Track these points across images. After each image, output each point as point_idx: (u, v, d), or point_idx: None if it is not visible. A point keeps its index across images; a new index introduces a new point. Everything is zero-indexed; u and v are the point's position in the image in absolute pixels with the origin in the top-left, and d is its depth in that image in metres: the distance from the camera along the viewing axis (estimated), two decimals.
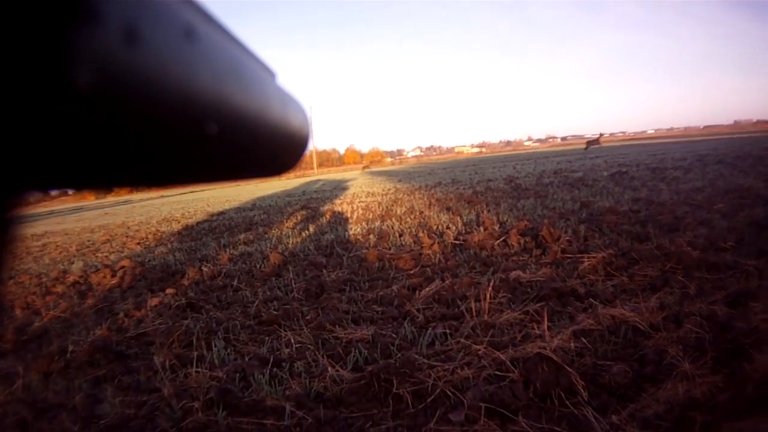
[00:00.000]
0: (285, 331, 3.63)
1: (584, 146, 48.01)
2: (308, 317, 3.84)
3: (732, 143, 29.70)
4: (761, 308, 3.04)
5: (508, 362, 2.64)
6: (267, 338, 3.55)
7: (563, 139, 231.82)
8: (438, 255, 5.29)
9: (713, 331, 2.85)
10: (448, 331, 3.27)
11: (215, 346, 3.45)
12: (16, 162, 0.22)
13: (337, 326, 3.57)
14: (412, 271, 4.83)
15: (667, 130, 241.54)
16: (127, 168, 0.28)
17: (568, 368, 2.52)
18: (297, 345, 3.34)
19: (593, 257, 4.50)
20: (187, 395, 2.80)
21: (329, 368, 2.90)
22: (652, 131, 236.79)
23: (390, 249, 5.81)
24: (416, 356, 2.87)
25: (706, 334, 2.82)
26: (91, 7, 0.21)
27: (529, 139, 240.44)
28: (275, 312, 3.98)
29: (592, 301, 3.56)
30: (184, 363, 3.27)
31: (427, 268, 4.85)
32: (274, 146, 0.47)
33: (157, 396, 2.85)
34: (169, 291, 5.07)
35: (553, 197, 9.18)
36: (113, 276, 6.26)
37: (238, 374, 2.98)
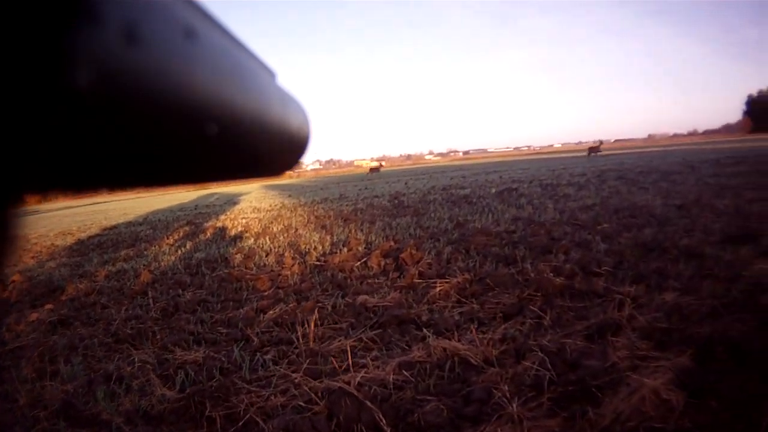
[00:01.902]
0: (134, 349, 3.67)
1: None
2: (157, 337, 3.87)
3: (641, 158, 30.17)
4: (624, 343, 3.06)
5: (313, 395, 2.70)
6: (117, 356, 3.59)
7: (465, 153, 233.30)
8: (295, 276, 5.29)
9: (558, 369, 2.82)
10: (276, 357, 3.30)
11: (71, 361, 3.51)
12: (16, 163, 0.23)
13: (177, 347, 3.60)
14: (266, 293, 4.81)
15: (576, 144, 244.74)
16: (126, 168, 0.28)
17: (370, 405, 2.53)
18: (139, 364, 3.38)
19: (447, 282, 4.48)
20: (40, 406, 2.91)
21: (159, 388, 2.95)
22: (559, 145, 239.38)
23: (252, 269, 5.83)
24: (237, 381, 2.92)
25: (547, 372, 2.79)
26: (91, 7, 0.22)
27: (430, 153, 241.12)
28: (130, 331, 4.00)
29: (427, 331, 3.53)
30: (41, 376, 3.34)
31: (281, 290, 4.84)
32: (274, 146, 0.46)
33: (15, 405, 2.95)
34: (48, 306, 5.06)
35: (431, 216, 9.24)
36: (4, 290, 6.21)
37: (84, 389, 3.06)
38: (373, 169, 49.15)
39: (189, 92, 0.28)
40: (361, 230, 8.09)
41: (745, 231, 5.55)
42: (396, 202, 12.70)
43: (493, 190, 13.55)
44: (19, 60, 0.20)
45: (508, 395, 2.57)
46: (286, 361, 3.25)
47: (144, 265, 6.92)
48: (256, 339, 3.69)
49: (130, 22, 0.23)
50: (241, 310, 4.27)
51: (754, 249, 4.88)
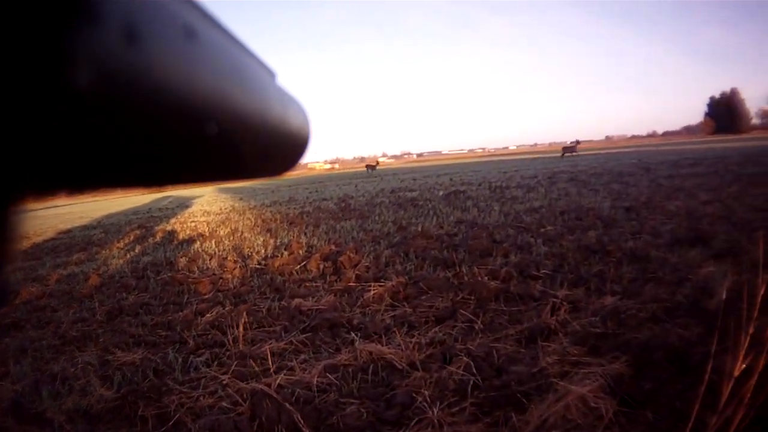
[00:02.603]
0: (78, 351, 3.79)
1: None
2: (101, 339, 3.98)
3: (597, 159, 30.41)
4: (555, 348, 3.08)
5: (238, 396, 2.79)
6: (63, 357, 3.69)
7: (419, 155, 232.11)
8: (236, 280, 5.40)
9: (484, 374, 2.83)
10: (209, 359, 3.41)
11: (21, 363, 3.63)
12: (16, 163, 0.23)
13: (118, 349, 3.71)
14: (206, 296, 4.91)
15: (531, 146, 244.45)
16: (127, 168, 0.28)
17: (289, 407, 2.59)
18: (82, 365, 3.47)
19: (382, 286, 4.54)
20: None
21: (98, 388, 3.06)
22: (514, 147, 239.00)
23: (195, 273, 5.92)
24: (170, 382, 3.04)
25: (472, 377, 2.79)
26: (91, 6, 0.22)
27: (384, 155, 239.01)
28: (76, 333, 4.12)
29: (356, 335, 3.62)
30: None
31: (221, 293, 4.94)
32: (275, 146, 0.47)
33: None
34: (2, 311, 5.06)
35: (375, 219, 9.31)
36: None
37: (31, 389, 3.18)
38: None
39: (189, 92, 0.29)
40: (305, 233, 8.17)
41: (696, 233, 5.61)
42: (343, 205, 12.75)
43: (441, 193, 13.61)
44: (19, 60, 0.21)
45: (429, 400, 2.60)
46: (217, 363, 3.36)
47: (93, 269, 6.98)
48: (191, 341, 3.78)
49: (130, 22, 0.24)
50: (181, 313, 4.37)
51: (703, 251, 4.93)
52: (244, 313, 4.08)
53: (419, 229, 7.57)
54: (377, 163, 53.22)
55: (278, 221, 10.40)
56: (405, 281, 4.65)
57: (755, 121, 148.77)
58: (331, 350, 3.43)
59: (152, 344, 3.86)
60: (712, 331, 2.83)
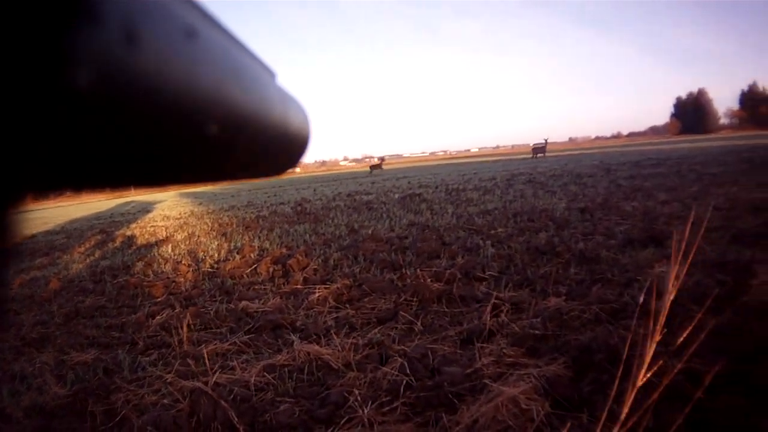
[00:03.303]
0: (37, 352, 3.97)
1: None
2: (58, 341, 4.15)
3: (559, 161, 30.38)
4: (493, 350, 3.10)
5: (178, 395, 2.92)
6: (23, 358, 3.88)
7: (380, 158, 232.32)
8: (188, 283, 5.55)
9: (418, 375, 2.89)
10: (156, 359, 3.57)
11: None
12: (16, 163, 0.22)
13: (73, 350, 3.89)
14: (159, 299, 5.04)
15: (493, 148, 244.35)
16: (127, 168, 0.28)
17: (224, 404, 2.70)
18: (39, 365, 3.65)
19: (327, 288, 4.67)
20: None
21: (53, 386, 3.25)
22: (476, 150, 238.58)
23: (150, 276, 6.07)
24: (118, 380, 3.20)
25: (405, 377, 2.85)
26: (91, 7, 0.21)
27: (345, 159, 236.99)
28: (35, 335, 4.29)
29: (296, 336, 3.72)
30: None
31: (173, 296, 5.09)
32: (275, 146, 0.47)
33: None
34: None
35: (329, 222, 9.38)
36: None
37: None
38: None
39: (189, 92, 0.29)
40: (259, 237, 8.30)
41: (650, 234, 5.67)
42: (299, 209, 12.89)
43: (397, 196, 13.76)
44: (19, 60, 0.20)
45: (361, 399, 2.68)
46: (163, 363, 3.49)
47: (54, 274, 7.14)
48: (141, 342, 3.93)
49: (130, 22, 0.23)
50: (133, 316, 4.53)
51: (656, 252, 5.00)
52: (188, 315, 4.20)
53: (370, 232, 7.62)
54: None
55: (234, 225, 10.54)
56: (350, 283, 4.77)
57: (723, 121, 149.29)
58: (271, 351, 3.55)
59: (105, 345, 4.01)
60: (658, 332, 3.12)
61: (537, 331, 3.24)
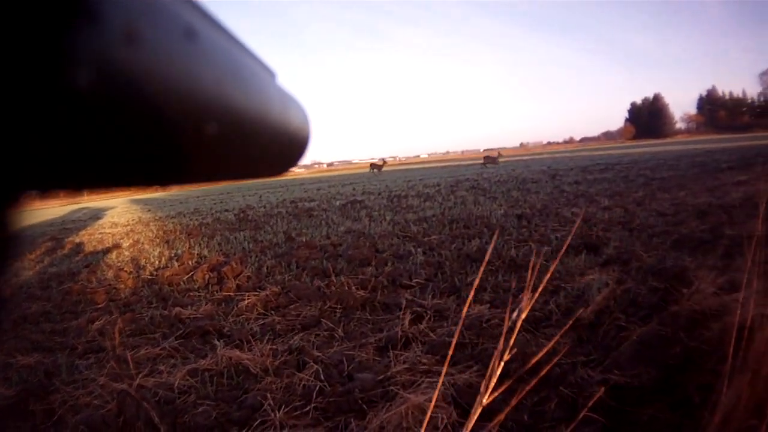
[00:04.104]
0: None
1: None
2: (5, 345, 4.36)
3: (506, 166, 30.31)
4: (409, 357, 3.22)
5: (108, 397, 3.09)
6: None
7: (329, 164, 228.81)
8: (128, 290, 5.76)
9: (332, 380, 3.03)
10: (93, 362, 3.77)
11: None
12: (16, 162, 0.23)
13: (19, 354, 4.08)
14: (100, 305, 5.30)
15: (443, 153, 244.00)
16: (126, 167, 0.28)
17: (146, 405, 2.85)
18: None
19: (256, 295, 4.87)
20: None
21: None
22: (426, 155, 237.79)
23: (93, 283, 6.27)
24: (57, 382, 3.43)
25: (320, 383, 2.99)
26: (91, 7, 0.22)
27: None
28: None
29: (220, 341, 3.90)
30: None
31: (113, 303, 5.30)
32: (275, 146, 0.47)
33: None
34: None
35: (269, 229, 9.71)
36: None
37: None
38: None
39: (189, 92, 0.29)
40: (199, 245, 8.49)
41: (587, 240, 5.75)
42: (242, 216, 13.09)
43: (338, 203, 13.90)
44: (20, 59, 0.21)
45: (275, 403, 2.81)
46: (97, 366, 3.69)
47: (4, 281, 7.26)
48: (80, 347, 4.15)
49: (130, 22, 0.24)
50: (75, 321, 4.77)
51: (590, 259, 5.13)
52: (122, 321, 4.46)
53: (306, 239, 7.88)
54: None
55: (177, 233, 10.71)
56: (279, 291, 4.96)
57: (680, 125, 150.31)
58: (197, 356, 3.72)
59: (48, 349, 4.23)
60: (580, 342, 3.29)
61: (455, 339, 3.17)
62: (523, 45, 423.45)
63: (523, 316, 1.92)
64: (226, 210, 16.30)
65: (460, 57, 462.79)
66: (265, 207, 15.72)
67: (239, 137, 0.37)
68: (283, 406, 2.80)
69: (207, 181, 0.39)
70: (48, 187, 0.26)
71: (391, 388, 2.89)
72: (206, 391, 3.14)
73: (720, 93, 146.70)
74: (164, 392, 3.14)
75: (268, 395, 2.92)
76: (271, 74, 0.47)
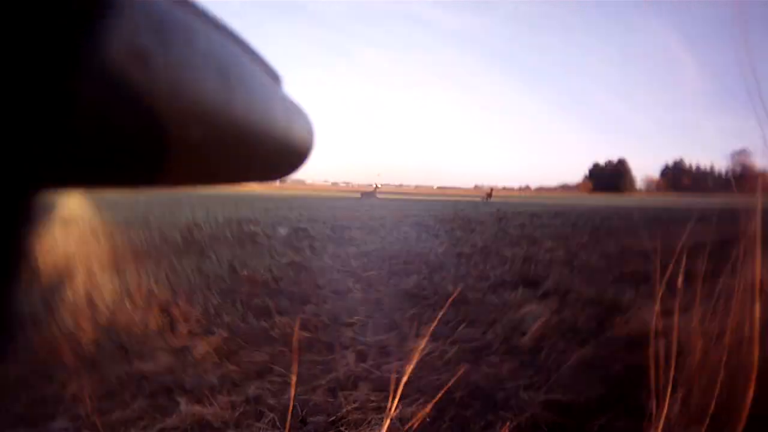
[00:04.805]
0: None
1: None
2: None
3: (458, 204, 31.89)
4: (359, 396, 3.37)
5: None
6: None
7: (376, 186, 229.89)
8: (88, 340, 5.68)
9: (290, 425, 3.10)
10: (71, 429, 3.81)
11: None
12: (29, 164, 0.24)
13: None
14: (68, 365, 5.04)
15: (396, 186, 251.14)
16: (132, 170, 0.29)
17: None
18: None
19: (207, 341, 4.91)
20: None
21: None
22: (380, 186, 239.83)
23: (54, 331, 5.99)
24: None
25: (278, 430, 3.11)
26: (98, 17, 0.23)
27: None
28: None
29: (182, 398, 3.85)
30: None
31: (78, 360, 5.16)
32: (278, 151, 0.48)
33: None
34: None
35: (213, 258, 9.61)
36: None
37: None
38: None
39: (194, 96, 0.30)
40: (148, 275, 8.34)
41: (525, 277, 6.27)
42: (188, 237, 13.09)
43: (283, 231, 14.06)
44: (24, 64, 0.22)
45: None
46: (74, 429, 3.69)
47: None
48: (58, 416, 4.01)
49: (136, 33, 0.25)
50: (49, 388, 4.63)
51: (528, 294, 5.53)
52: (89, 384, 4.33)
53: (249, 273, 7.99)
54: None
55: (127, 253, 10.29)
56: (228, 335, 5.05)
57: (640, 186, 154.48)
58: (164, 414, 3.72)
59: (32, 423, 4.06)
60: (524, 366, 3.56)
61: (399, 374, 3.09)
62: (487, 85, 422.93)
63: (422, 345, 2.26)
64: (174, 226, 16.05)
65: (422, 89, 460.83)
66: (211, 226, 15.68)
67: (243, 141, 0.39)
68: None
69: (210, 184, 0.41)
70: (60, 186, 0.28)
71: (342, 429, 3.08)
72: None
73: (687, 165, 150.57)
74: None
75: None
76: (277, 78, 0.49)
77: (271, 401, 3.55)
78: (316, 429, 3.12)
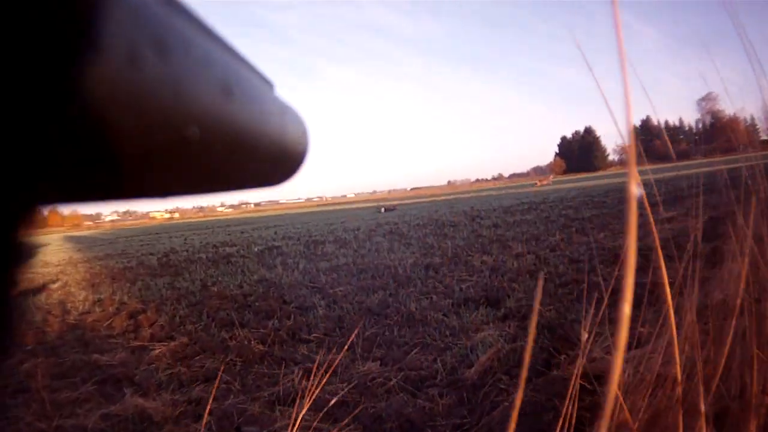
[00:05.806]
0: None
1: None
2: None
3: (430, 207, 30.61)
4: (296, 413, 3.06)
5: None
6: None
7: (256, 204, 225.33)
8: (54, 333, 6.18)
9: None
10: (20, 403, 3.99)
11: None
12: (25, 178, 0.23)
13: None
14: (29, 348, 5.54)
15: (370, 193, 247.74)
16: (125, 180, 0.27)
17: None
18: None
19: (166, 345, 5.15)
20: None
21: None
22: (353, 195, 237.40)
23: (22, 325, 6.30)
24: None
25: None
26: (94, 29, 0.22)
27: (222, 205, 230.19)
28: None
29: (130, 390, 4.08)
30: None
31: (39, 346, 5.64)
32: (273, 158, 0.46)
33: None
34: None
35: (187, 276, 10.12)
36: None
37: None
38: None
39: (186, 103, 0.28)
40: (121, 290, 8.71)
41: (490, 293, 5.77)
42: (164, 260, 13.43)
43: (257, 249, 14.26)
44: (18, 72, 0.21)
45: None
46: (25, 405, 3.91)
47: None
48: (10, 387, 4.30)
49: (131, 41, 0.24)
50: (5, 362, 4.99)
51: (489, 314, 5.12)
52: (47, 365, 4.80)
53: (218, 289, 8.17)
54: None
55: (103, 276, 11.00)
56: (187, 342, 5.24)
57: (613, 158, 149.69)
58: (110, 402, 3.92)
59: None
60: (461, 403, 3.31)
61: (339, 397, 3.36)
62: (448, 81, 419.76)
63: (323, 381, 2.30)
64: (151, 254, 16.55)
65: (387, 96, 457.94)
66: (188, 251, 16.04)
67: (236, 148, 0.37)
68: None
69: (205, 193, 0.39)
70: (56, 201, 0.27)
71: None
72: None
73: (655, 122, 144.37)
74: None
75: None
76: (270, 85, 0.48)
77: (213, 405, 3.57)
78: None
